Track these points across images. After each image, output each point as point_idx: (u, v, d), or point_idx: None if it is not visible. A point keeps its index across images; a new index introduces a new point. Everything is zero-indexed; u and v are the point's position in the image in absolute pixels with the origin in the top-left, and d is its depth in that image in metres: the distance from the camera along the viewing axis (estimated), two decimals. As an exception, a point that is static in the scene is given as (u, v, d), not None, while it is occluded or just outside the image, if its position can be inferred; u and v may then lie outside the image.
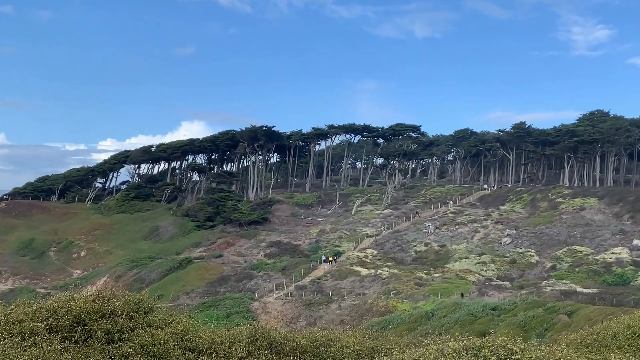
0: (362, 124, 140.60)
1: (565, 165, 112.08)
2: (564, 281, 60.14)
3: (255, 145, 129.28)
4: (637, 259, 64.81)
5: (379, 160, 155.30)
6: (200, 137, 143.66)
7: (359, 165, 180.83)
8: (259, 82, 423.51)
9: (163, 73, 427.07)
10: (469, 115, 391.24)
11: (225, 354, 10.65)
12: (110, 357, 9.99)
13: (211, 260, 76.79)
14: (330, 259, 72.64)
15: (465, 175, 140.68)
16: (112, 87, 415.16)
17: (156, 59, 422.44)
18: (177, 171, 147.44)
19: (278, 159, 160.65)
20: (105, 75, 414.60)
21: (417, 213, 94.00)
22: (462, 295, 54.07)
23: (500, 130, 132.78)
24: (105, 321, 10.48)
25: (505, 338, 8.87)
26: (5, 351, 9.35)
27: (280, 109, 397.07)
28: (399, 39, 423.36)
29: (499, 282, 61.23)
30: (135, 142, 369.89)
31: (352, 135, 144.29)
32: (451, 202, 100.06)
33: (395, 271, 66.15)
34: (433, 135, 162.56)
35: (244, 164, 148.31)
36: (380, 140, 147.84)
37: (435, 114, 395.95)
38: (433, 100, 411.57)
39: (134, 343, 10.21)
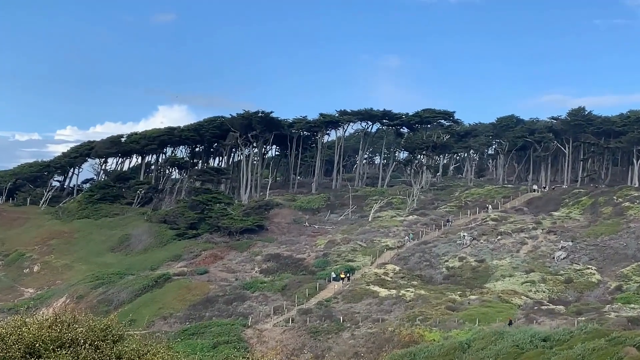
0: (381, 109, 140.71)
1: (635, 162, 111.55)
2: (632, 305, 59.85)
3: (250, 135, 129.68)
4: None
5: (403, 155, 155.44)
6: (182, 125, 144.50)
7: (378, 160, 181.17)
8: (255, 58, 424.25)
9: (136, 46, 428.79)
10: (514, 98, 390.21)
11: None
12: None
13: (194, 278, 77.00)
14: (343, 276, 72.69)
15: (510, 174, 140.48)
16: (73, 64, 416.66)
17: (127, 28, 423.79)
18: (153, 167, 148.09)
19: (277, 153, 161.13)
20: (64, 49, 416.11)
21: (450, 220, 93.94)
22: (509, 322, 53.79)
23: (553, 118, 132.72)
24: (65, 352, 10.49)
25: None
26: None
27: (281, 92, 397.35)
28: (428, 2, 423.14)
29: (551, 306, 61.03)
30: (101, 131, 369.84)
31: (369, 123, 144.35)
32: (491, 207, 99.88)
33: (422, 292, 66.10)
34: (470, 124, 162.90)
35: (235, 159, 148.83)
36: (404, 130, 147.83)
37: (473, 98, 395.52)
38: (470, 80, 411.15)
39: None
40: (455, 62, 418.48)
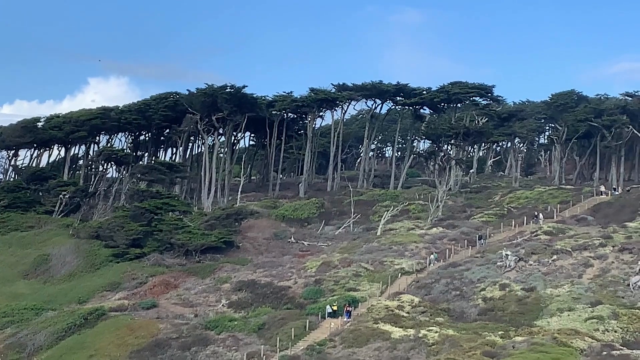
0: (394, 82, 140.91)
1: None
2: None
3: (214, 118, 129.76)
4: None
5: (424, 145, 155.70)
6: (121, 104, 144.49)
7: (389, 152, 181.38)
8: (221, 13, 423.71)
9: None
10: (575, 68, 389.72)
11: None
12: None
13: (138, 314, 76.71)
14: (334, 307, 72.68)
15: (569, 170, 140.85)
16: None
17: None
18: (81, 162, 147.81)
19: (252, 142, 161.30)
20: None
21: (483, 237, 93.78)
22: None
23: (627, 94, 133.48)
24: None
25: None
26: None
27: (257, 59, 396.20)
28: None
29: (626, 351, 61.03)
30: (10, 113, 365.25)
31: (378, 101, 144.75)
32: (543, 216, 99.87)
33: (450, 332, 66.01)
34: (515, 103, 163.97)
35: (195, 151, 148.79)
36: (426, 111, 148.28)
37: (519, 67, 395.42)
38: (514, 43, 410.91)
39: None
40: (495, 19, 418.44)
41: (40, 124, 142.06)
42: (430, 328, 66.98)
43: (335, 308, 72.90)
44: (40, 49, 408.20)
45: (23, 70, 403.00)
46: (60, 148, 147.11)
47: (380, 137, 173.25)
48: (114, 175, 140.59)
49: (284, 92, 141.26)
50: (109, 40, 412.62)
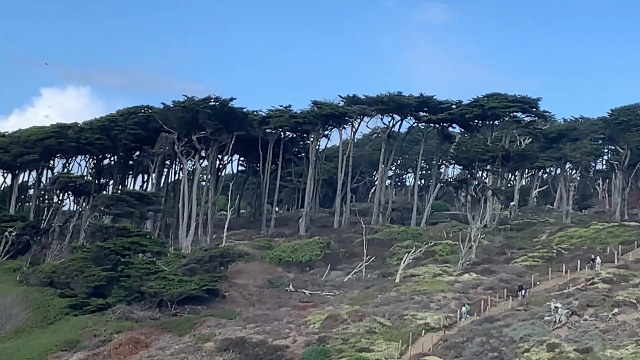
0: (416, 94, 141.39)
1: None
2: None
3: (195, 137, 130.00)
4: None
5: (453, 171, 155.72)
6: (81, 120, 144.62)
7: (410, 180, 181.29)
8: (205, 11, 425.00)
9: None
10: (637, 77, 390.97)
11: None
12: None
13: (101, 379, 76.65)
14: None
15: (634, 203, 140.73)
16: None
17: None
18: (32, 192, 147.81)
19: (242, 168, 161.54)
20: None
21: (524, 288, 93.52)
22: None
23: None
24: None
25: None
26: None
27: (247, 67, 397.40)
28: None
29: None
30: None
31: (397, 117, 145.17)
32: (600, 259, 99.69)
33: (487, 404, 65.91)
34: (565, 120, 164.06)
35: (171, 178, 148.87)
36: (456, 129, 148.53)
37: (569, 78, 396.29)
38: (564, 48, 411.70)
39: None
40: (540, 18, 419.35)
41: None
42: (462, 398, 66.93)
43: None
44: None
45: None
46: (5, 174, 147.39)
47: (399, 162, 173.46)
48: (71, 208, 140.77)
49: (281, 106, 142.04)
50: (65, 43, 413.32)
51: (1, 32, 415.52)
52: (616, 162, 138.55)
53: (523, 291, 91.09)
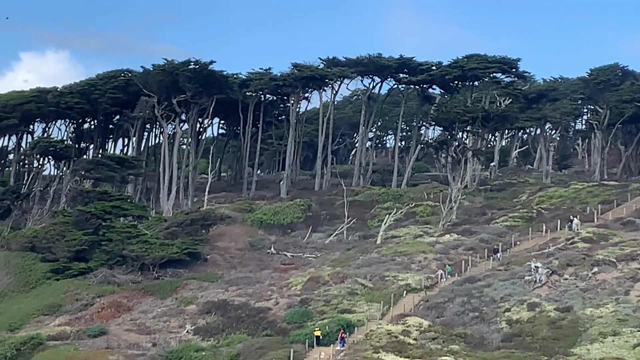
0: (396, 56, 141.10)
1: None
2: None
3: (175, 101, 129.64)
4: None
5: (434, 132, 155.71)
6: (60, 85, 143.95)
7: (391, 142, 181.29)
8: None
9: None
10: (618, 37, 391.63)
11: None
12: None
13: (84, 343, 76.59)
14: (317, 333, 72.77)
15: (613, 162, 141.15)
16: None
17: None
18: (12, 156, 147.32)
19: (223, 131, 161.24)
20: None
21: (499, 250, 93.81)
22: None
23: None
24: None
25: None
26: None
27: (227, 28, 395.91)
28: None
29: (684, 385, 61.33)
30: None
31: (377, 79, 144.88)
32: (578, 220, 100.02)
33: (468, 363, 66.25)
34: (545, 80, 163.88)
35: (152, 142, 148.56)
36: (436, 91, 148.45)
37: (548, 38, 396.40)
38: (542, 9, 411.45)
39: None
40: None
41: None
42: (443, 358, 67.12)
43: (318, 333, 72.71)
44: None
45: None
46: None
47: (379, 124, 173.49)
48: (52, 173, 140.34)
49: (261, 69, 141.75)
50: (44, 6, 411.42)
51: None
52: (595, 122, 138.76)
53: (498, 254, 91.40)
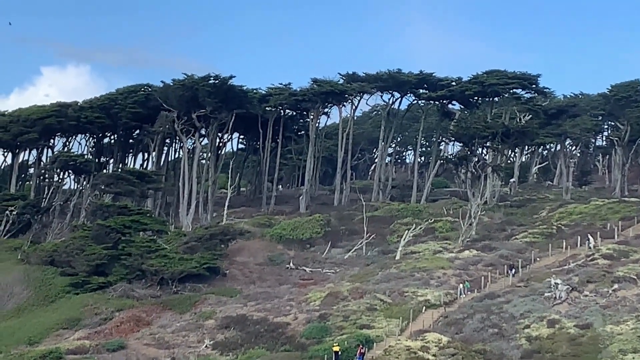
0: (416, 72, 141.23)
1: None
2: None
3: (195, 116, 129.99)
4: None
5: (453, 148, 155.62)
6: (81, 99, 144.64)
7: (410, 157, 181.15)
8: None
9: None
10: (637, 53, 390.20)
11: None
12: None
13: (103, 357, 76.68)
14: (335, 349, 72.70)
15: (633, 179, 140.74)
16: None
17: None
18: (32, 170, 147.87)
19: (242, 146, 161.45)
20: None
21: (515, 268, 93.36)
22: None
23: None
24: None
25: None
26: None
27: (248, 45, 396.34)
28: None
29: None
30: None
31: (397, 95, 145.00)
32: (593, 239, 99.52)
33: (488, 380, 66.02)
34: (565, 96, 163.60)
35: (172, 156, 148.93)
36: (455, 107, 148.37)
37: (569, 54, 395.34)
38: (564, 25, 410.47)
39: None
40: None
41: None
42: (463, 374, 67.03)
43: (337, 349, 72.72)
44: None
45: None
46: (6, 153, 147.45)
47: (399, 139, 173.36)
48: (72, 187, 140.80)
49: (281, 84, 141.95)
50: (64, 21, 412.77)
51: (1, 10, 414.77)
52: (616, 138, 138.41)
53: (513, 270, 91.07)
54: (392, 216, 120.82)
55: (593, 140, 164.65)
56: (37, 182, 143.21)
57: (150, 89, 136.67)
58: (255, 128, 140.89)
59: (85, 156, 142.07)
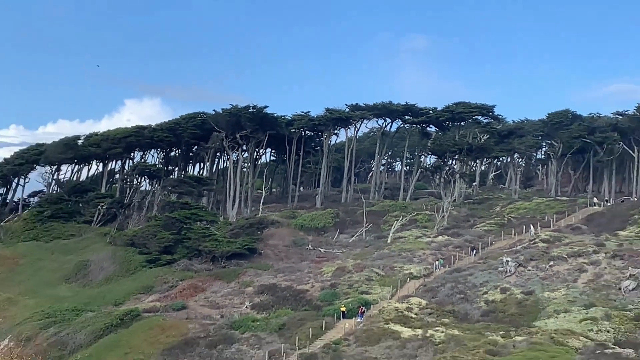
0: (403, 103, 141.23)
1: None
2: None
3: (238, 135, 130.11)
4: None
5: (430, 160, 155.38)
6: (154, 123, 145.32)
7: (399, 167, 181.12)
8: (245, 40, 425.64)
9: (98, 27, 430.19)
10: (569, 89, 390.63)
11: None
12: None
13: (169, 315, 76.88)
14: (343, 309, 72.75)
15: (565, 183, 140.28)
16: (19, 47, 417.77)
17: (88, 2, 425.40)
18: (117, 176, 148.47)
19: (273, 158, 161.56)
20: (6, 27, 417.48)
21: (476, 248, 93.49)
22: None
23: (618, 113, 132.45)
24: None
25: None
26: None
27: (277, 82, 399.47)
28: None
29: (618, 350, 60.69)
30: (53, 132, 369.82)
31: (388, 120, 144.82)
32: (533, 228, 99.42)
33: (455, 332, 65.84)
34: (514, 121, 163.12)
35: (221, 166, 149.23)
36: (432, 129, 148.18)
37: (518, 89, 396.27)
38: (514, 67, 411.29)
39: None
40: (497, 46, 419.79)
41: (80, 142, 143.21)
42: (437, 328, 66.85)
43: (344, 309, 73.01)
44: (83, 72, 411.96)
45: (66, 92, 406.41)
46: (98, 163, 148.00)
47: (390, 153, 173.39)
48: (147, 188, 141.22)
49: (302, 112, 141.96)
50: (142, 65, 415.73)
51: (96, 57, 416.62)
52: (551, 153, 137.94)
53: (475, 251, 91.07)
54: (384, 210, 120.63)
55: (534, 154, 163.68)
56: (121, 184, 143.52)
57: (205, 116, 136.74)
58: (283, 145, 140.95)
59: (157, 165, 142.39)
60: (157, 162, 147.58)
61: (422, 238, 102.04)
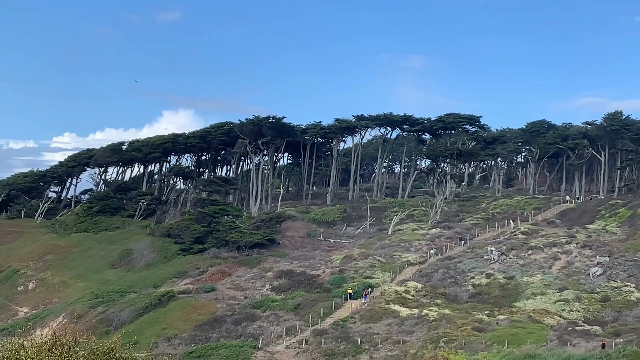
0: (402, 114, 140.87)
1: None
2: (676, 326, 59.24)
3: (260, 142, 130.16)
4: None
5: (425, 163, 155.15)
6: (187, 131, 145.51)
7: (398, 169, 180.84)
8: (265, 59, 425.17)
9: (139, 47, 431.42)
10: (546, 102, 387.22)
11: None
12: None
13: (200, 296, 77.17)
14: (349, 291, 72.86)
15: (541, 183, 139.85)
16: (71, 66, 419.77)
17: (130, 27, 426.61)
18: (156, 177, 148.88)
19: (290, 161, 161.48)
20: (62, 50, 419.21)
21: (464, 239, 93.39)
22: (603, 346, 52.92)
23: (587, 123, 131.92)
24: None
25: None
26: None
27: (293, 95, 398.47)
28: (454, 1, 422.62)
29: (587, 327, 60.63)
30: (101, 139, 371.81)
31: (389, 129, 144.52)
32: (520, 220, 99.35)
33: (447, 311, 65.89)
34: (497, 130, 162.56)
35: (244, 168, 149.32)
36: (427, 136, 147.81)
37: (501, 102, 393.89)
38: (498, 83, 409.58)
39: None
40: (483, 64, 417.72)
41: (124, 147, 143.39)
42: (431, 308, 66.94)
43: (350, 291, 73.28)
44: (127, 87, 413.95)
45: (112, 104, 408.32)
46: (140, 166, 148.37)
47: (390, 157, 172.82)
48: (181, 187, 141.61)
49: (315, 122, 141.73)
50: (177, 80, 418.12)
51: (138, 74, 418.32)
52: (530, 157, 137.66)
53: (463, 241, 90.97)
54: (386, 207, 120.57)
55: (515, 158, 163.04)
56: (159, 184, 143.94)
57: (231, 125, 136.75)
58: (298, 150, 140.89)
59: (190, 167, 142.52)
60: (190, 165, 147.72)
61: (418, 230, 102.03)
